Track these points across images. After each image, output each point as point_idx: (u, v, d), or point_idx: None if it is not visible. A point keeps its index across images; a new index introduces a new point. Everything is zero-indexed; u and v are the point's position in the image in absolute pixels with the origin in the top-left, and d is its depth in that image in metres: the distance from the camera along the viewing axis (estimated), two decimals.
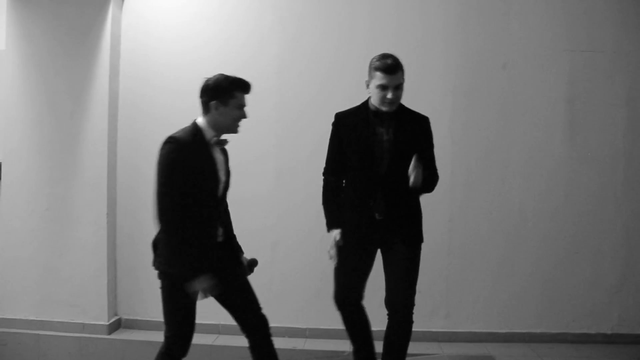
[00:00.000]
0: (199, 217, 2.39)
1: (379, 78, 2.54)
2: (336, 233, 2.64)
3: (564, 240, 3.85)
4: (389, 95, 2.53)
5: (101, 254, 3.83)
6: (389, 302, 2.65)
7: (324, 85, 3.86)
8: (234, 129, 2.47)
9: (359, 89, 3.72)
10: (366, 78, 2.64)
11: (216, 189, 2.46)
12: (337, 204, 2.73)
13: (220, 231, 2.50)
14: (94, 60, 3.81)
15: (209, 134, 2.46)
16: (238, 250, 2.61)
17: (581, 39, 3.84)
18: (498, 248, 3.85)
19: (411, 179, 2.47)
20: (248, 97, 2.45)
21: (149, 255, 3.90)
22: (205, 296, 2.36)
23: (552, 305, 3.85)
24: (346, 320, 2.74)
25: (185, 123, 4.07)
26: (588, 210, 3.84)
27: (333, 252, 2.65)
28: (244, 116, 2.45)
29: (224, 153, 2.55)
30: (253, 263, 2.60)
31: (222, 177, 2.48)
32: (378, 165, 2.62)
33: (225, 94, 2.41)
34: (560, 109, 3.84)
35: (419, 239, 2.70)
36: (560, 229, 3.84)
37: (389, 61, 2.54)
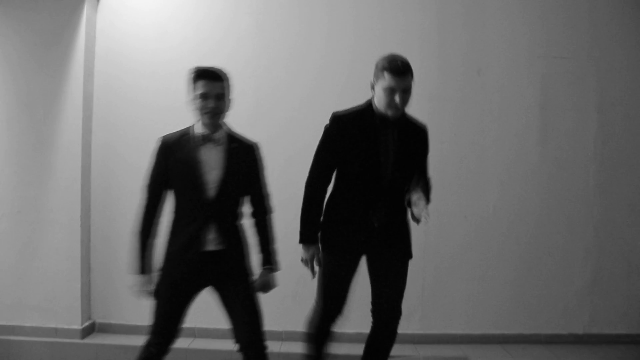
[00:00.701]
0: (183, 218, 2.37)
1: (387, 80, 2.38)
2: (314, 248, 2.53)
3: (537, 242, 3.91)
4: (397, 99, 2.38)
5: (75, 257, 3.77)
6: (378, 314, 2.62)
7: (301, 88, 3.86)
8: (204, 120, 2.35)
9: (338, 92, 3.77)
10: (371, 79, 2.50)
11: (201, 189, 2.32)
12: (319, 215, 2.57)
13: (213, 237, 2.35)
14: (67, 61, 3.75)
15: (198, 130, 2.38)
16: (239, 260, 2.44)
17: (554, 45, 3.91)
18: (472, 251, 3.90)
19: (416, 210, 2.37)
20: (213, 86, 2.33)
21: (123, 258, 3.89)
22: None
23: (525, 307, 3.92)
24: (325, 334, 2.65)
25: (160, 122, 4.05)
26: (560, 213, 3.92)
27: (314, 265, 2.54)
28: (206, 105, 2.31)
29: (230, 151, 2.39)
30: (266, 284, 2.47)
31: (212, 177, 2.33)
32: (383, 174, 2.48)
33: (191, 86, 2.36)
34: (534, 114, 3.90)
35: (410, 254, 2.63)
36: (533, 231, 3.91)
37: (398, 62, 2.37)
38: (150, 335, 2.46)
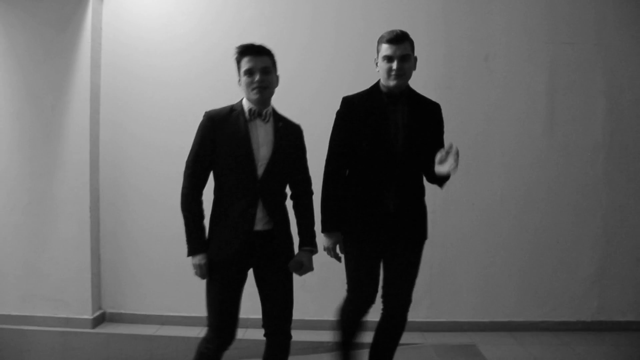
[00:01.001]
0: (229, 197, 2.26)
1: (384, 49, 2.43)
2: (336, 236, 2.52)
3: (545, 230, 3.90)
4: (394, 66, 2.40)
5: (84, 247, 3.81)
6: (389, 301, 2.61)
7: (309, 78, 3.85)
8: (252, 96, 2.26)
9: (346, 82, 3.74)
10: (375, 57, 2.52)
11: (250, 166, 2.23)
12: (338, 203, 2.53)
13: (261, 216, 2.26)
14: (74, 53, 3.76)
15: (246, 106, 2.30)
16: (284, 242, 2.36)
17: (562, 31, 3.88)
18: (480, 239, 3.90)
19: (445, 167, 2.29)
20: (257, 60, 2.24)
21: (133, 248, 3.92)
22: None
23: (533, 294, 3.92)
24: (356, 323, 2.61)
25: (167, 114, 4.06)
26: (568, 200, 3.90)
27: (337, 252, 2.53)
28: (252, 80, 2.23)
29: (278, 129, 2.32)
30: (303, 265, 2.36)
31: (261, 154, 2.25)
32: (394, 152, 2.46)
33: (237, 66, 2.30)
34: (541, 101, 3.88)
35: (424, 236, 2.61)
36: (541, 219, 3.90)
37: (395, 31, 2.43)
38: (208, 330, 2.32)
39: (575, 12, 3.88)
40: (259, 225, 2.26)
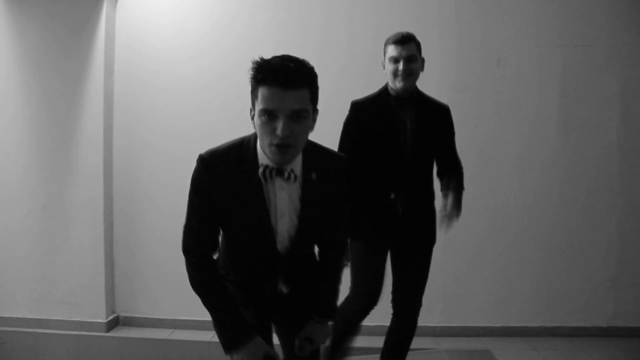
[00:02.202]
0: (239, 258, 1.77)
1: (390, 51, 2.43)
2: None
3: (559, 234, 3.86)
4: (401, 67, 2.39)
5: (98, 251, 3.84)
6: (399, 305, 2.60)
7: (322, 82, 3.83)
8: (267, 153, 1.56)
9: (359, 85, 3.73)
10: (382, 59, 2.52)
11: (264, 243, 1.67)
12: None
13: (281, 288, 1.79)
14: (88, 59, 3.81)
15: (261, 159, 1.60)
16: (306, 305, 1.82)
17: (575, 34, 3.84)
18: (493, 243, 3.87)
19: (447, 221, 2.40)
20: (281, 96, 1.47)
21: (146, 252, 3.95)
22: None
23: (547, 299, 3.88)
24: (355, 325, 2.60)
25: (180, 120, 4.07)
26: (583, 204, 3.86)
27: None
28: (272, 131, 1.49)
29: (308, 189, 1.65)
30: (305, 344, 1.80)
31: (281, 226, 1.66)
32: (402, 155, 2.45)
33: (252, 94, 1.55)
34: (554, 104, 3.85)
35: (433, 240, 2.59)
36: (555, 223, 3.86)
37: (400, 32, 2.43)
38: None
39: (587, 15, 3.85)
40: (277, 290, 1.79)
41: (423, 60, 2.52)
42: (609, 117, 3.85)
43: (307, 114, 1.53)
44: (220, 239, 1.76)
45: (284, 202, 1.63)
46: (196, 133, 3.80)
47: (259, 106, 1.49)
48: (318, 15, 3.88)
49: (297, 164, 1.62)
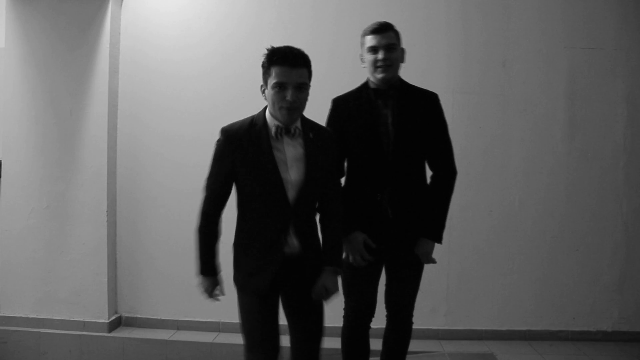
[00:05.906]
0: (254, 223, 2.10)
1: (368, 40, 2.34)
2: (363, 236, 2.36)
3: (564, 237, 3.84)
4: (380, 56, 2.29)
5: (101, 251, 3.83)
6: (392, 309, 2.54)
7: (329, 83, 3.82)
8: (277, 116, 2.04)
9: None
10: (360, 52, 2.43)
11: (278, 193, 2.03)
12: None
13: (292, 241, 2.09)
14: (93, 58, 3.80)
15: (270, 123, 2.07)
16: (315, 267, 2.14)
17: (581, 36, 3.82)
18: (498, 245, 3.85)
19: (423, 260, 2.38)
20: (289, 73, 1.98)
21: (149, 253, 3.94)
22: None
23: (552, 303, 3.85)
24: (353, 346, 2.52)
25: (185, 119, 4.07)
26: (588, 207, 3.84)
27: (357, 257, 2.35)
28: (283, 98, 2.00)
29: (309, 145, 2.09)
30: (321, 290, 2.13)
31: (292, 177, 2.05)
32: (384, 153, 2.33)
33: (265, 74, 2.05)
34: (560, 106, 3.83)
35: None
36: (560, 226, 3.84)
37: (378, 22, 2.35)
38: (247, 353, 2.17)
39: (594, 16, 3.83)
40: (289, 250, 2.08)
41: (403, 51, 2.42)
42: (615, 120, 3.83)
43: (306, 87, 2.05)
44: (235, 216, 2.16)
45: (292, 155, 2.05)
46: (200, 135, 3.78)
47: (272, 80, 1.99)
48: (323, 17, 3.87)
49: (298, 125, 2.10)
